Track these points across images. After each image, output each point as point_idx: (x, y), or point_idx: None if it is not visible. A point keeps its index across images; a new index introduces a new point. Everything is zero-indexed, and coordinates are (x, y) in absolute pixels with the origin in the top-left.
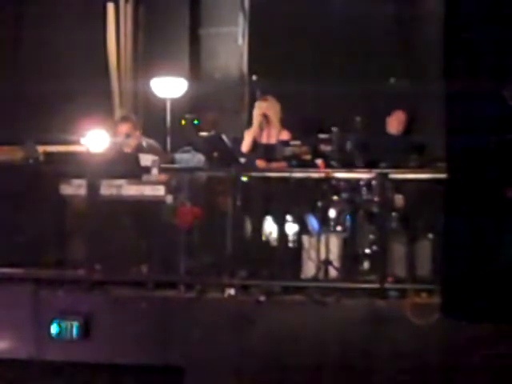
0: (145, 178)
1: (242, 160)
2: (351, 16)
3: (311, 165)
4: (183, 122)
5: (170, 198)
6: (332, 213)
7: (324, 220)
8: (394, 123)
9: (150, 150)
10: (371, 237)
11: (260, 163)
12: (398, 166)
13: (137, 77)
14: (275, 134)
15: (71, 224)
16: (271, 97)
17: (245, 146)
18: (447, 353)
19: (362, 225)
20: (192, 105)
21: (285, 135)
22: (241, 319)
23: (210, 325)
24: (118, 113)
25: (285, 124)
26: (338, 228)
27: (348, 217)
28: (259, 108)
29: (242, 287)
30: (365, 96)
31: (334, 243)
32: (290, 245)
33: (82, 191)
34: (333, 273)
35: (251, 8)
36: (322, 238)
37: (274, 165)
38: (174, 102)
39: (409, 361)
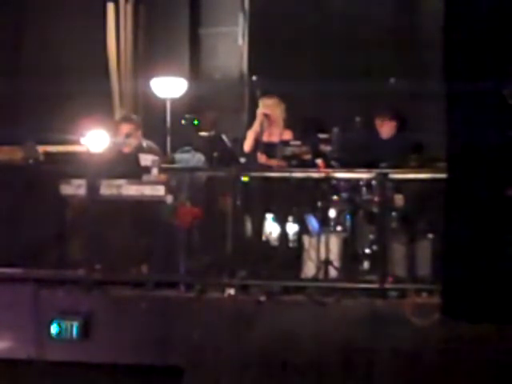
0: (145, 178)
1: (242, 160)
2: (351, 16)
3: (311, 165)
4: (183, 121)
5: (170, 198)
6: (332, 213)
7: (324, 220)
8: (380, 130)
9: (149, 151)
10: (371, 237)
11: (261, 157)
12: (398, 166)
13: (137, 77)
14: (277, 133)
15: (71, 224)
16: (276, 96)
17: (247, 146)
18: (447, 353)
19: (361, 225)
20: (192, 105)
21: (287, 135)
22: (241, 319)
23: (210, 325)
24: (118, 113)
25: (285, 124)
26: (338, 228)
27: (348, 217)
28: (262, 106)
29: (241, 287)
30: (365, 96)
31: (334, 243)
32: (290, 245)
33: (82, 191)
34: (333, 273)
35: (251, 8)
36: (322, 238)
37: (274, 162)
38: (174, 102)
39: (409, 360)
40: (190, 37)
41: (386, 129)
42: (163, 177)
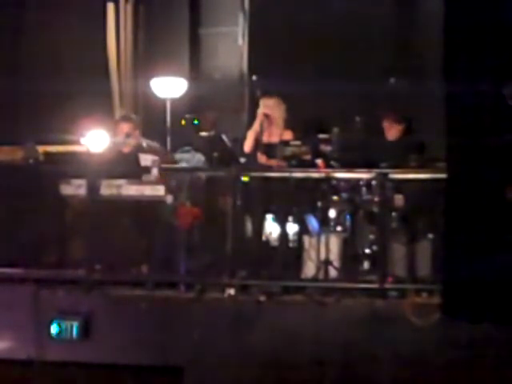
0: (145, 177)
1: (242, 160)
2: (351, 16)
3: (311, 165)
4: (183, 121)
5: (170, 198)
6: (332, 213)
7: (324, 220)
8: (386, 132)
9: (149, 150)
10: (371, 237)
11: (261, 157)
12: (398, 166)
13: (137, 77)
14: (277, 134)
15: (71, 224)
16: (276, 96)
17: (247, 146)
18: (447, 353)
19: (362, 225)
20: (192, 105)
21: (287, 135)
22: (241, 319)
23: (209, 325)
24: (118, 113)
25: (286, 124)
26: (338, 228)
27: (348, 217)
28: (262, 106)
29: (241, 287)
30: (365, 96)
31: (334, 243)
32: (290, 245)
33: (82, 191)
34: (333, 273)
35: (251, 8)
36: (322, 238)
37: (274, 162)
38: (174, 102)
39: (409, 361)
40: (190, 37)
41: (394, 132)
42: (161, 177)
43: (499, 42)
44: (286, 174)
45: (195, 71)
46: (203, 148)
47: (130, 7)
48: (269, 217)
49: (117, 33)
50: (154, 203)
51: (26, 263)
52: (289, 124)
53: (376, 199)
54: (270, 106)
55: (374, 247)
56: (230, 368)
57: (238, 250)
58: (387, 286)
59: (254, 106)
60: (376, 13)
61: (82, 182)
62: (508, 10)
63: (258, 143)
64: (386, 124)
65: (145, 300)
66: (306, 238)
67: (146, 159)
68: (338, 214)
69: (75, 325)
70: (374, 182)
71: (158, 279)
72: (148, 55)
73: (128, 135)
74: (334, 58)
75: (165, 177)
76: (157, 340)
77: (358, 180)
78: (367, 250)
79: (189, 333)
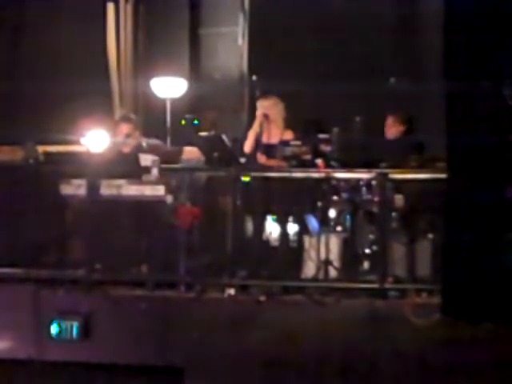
0: (145, 178)
1: (242, 160)
2: (351, 16)
3: (311, 165)
4: (183, 122)
5: (170, 198)
6: (332, 213)
7: (324, 220)
8: (387, 129)
9: (150, 150)
10: (371, 237)
11: (260, 157)
12: (398, 166)
13: (137, 77)
14: (277, 134)
15: (71, 224)
16: (274, 96)
17: (247, 146)
18: (447, 353)
19: (362, 225)
20: (192, 105)
21: (288, 135)
22: (241, 319)
23: (209, 325)
24: (118, 113)
25: (286, 123)
26: (338, 228)
27: (348, 217)
28: (260, 107)
29: (241, 287)
30: (365, 96)
31: (334, 243)
32: (291, 245)
33: (82, 191)
34: (333, 273)
35: (251, 8)
36: (322, 238)
37: (274, 162)
38: (174, 102)
39: (409, 361)
40: (190, 37)
41: (394, 131)
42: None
43: (499, 41)
44: (286, 174)
45: (195, 71)
46: (203, 148)
47: (129, 7)
48: (269, 217)
49: (117, 33)
50: (154, 203)
51: (26, 263)
52: (289, 124)
53: (376, 199)
54: (266, 107)
55: (374, 247)
56: (230, 368)
57: (238, 250)
58: (387, 285)
59: (254, 106)
60: (376, 13)
61: (81, 182)
62: (508, 10)
63: (258, 143)
64: (389, 122)
65: (145, 300)
66: (306, 238)
67: (146, 159)
68: (338, 213)
69: (75, 325)
70: (373, 182)
71: (158, 279)
72: (148, 55)
73: (128, 135)
74: (333, 57)
75: (165, 177)
76: (157, 340)
77: (358, 180)
78: (367, 250)
79: (189, 333)
